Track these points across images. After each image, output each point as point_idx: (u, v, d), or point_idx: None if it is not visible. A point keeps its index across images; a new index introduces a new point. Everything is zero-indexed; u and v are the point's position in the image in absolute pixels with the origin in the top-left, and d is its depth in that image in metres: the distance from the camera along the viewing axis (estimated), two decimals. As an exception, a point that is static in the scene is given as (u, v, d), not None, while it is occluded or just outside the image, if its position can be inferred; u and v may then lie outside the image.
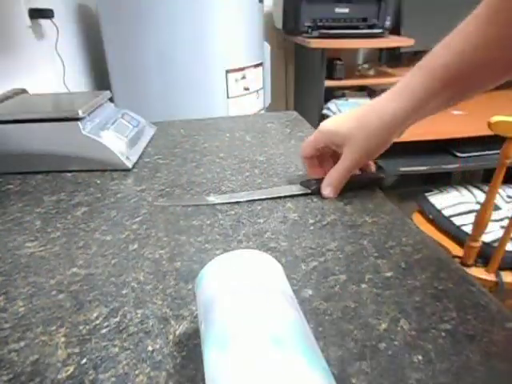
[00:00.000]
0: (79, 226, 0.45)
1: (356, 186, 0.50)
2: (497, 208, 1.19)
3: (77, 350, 0.29)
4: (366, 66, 1.96)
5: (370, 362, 0.27)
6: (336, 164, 0.48)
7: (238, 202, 0.48)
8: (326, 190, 0.48)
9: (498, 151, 0.98)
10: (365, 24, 1.82)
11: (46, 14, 1.06)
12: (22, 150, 0.58)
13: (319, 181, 0.49)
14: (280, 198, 0.49)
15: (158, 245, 0.41)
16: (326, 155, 0.52)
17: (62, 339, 0.30)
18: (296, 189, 0.50)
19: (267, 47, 1.51)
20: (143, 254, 0.39)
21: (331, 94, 1.87)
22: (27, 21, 1.01)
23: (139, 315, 0.32)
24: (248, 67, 1.32)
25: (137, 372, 0.27)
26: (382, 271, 0.35)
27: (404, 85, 0.43)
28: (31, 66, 1.03)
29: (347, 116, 0.47)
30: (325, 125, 0.49)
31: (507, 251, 1.04)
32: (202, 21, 1.19)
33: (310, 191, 0.49)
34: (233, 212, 0.46)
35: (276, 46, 2.01)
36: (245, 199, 0.49)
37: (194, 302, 0.32)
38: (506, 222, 1.09)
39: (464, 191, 1.34)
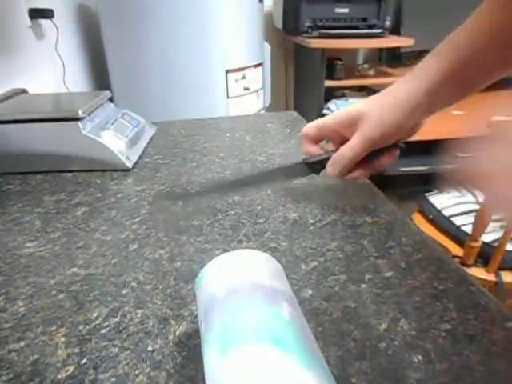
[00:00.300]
0: (79, 226, 0.45)
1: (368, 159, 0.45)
2: (497, 208, 1.19)
3: (77, 350, 0.29)
4: (365, 66, 1.96)
5: (370, 362, 0.27)
6: (348, 142, 0.43)
7: (238, 203, 0.48)
8: (334, 169, 0.44)
9: (497, 151, 0.98)
10: (365, 24, 1.82)
11: (46, 13, 1.07)
12: (22, 150, 0.58)
13: (322, 160, 0.45)
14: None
15: (157, 245, 0.41)
16: (330, 137, 0.48)
17: (62, 339, 0.30)
18: (297, 169, 0.47)
19: (267, 47, 1.51)
20: (143, 254, 0.39)
21: (331, 94, 1.87)
22: (27, 21, 1.02)
23: (139, 315, 0.32)
24: (248, 67, 1.32)
25: (137, 372, 0.27)
26: (381, 271, 0.35)
27: (419, 68, 0.41)
28: (31, 66, 1.03)
29: (360, 102, 0.44)
30: (335, 112, 0.46)
31: (507, 251, 1.04)
32: (201, 21, 1.19)
33: (312, 170, 0.46)
34: (233, 212, 0.46)
35: (276, 46, 2.01)
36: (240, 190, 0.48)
37: (194, 302, 0.32)
38: (506, 222, 1.09)
39: (464, 191, 1.34)
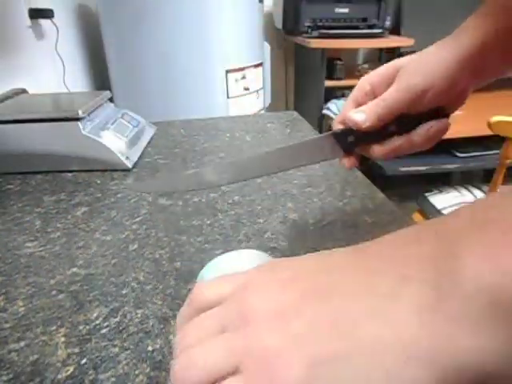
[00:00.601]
0: (79, 226, 0.45)
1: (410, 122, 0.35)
2: (497, 208, 1.19)
3: (77, 350, 0.29)
4: (365, 66, 1.96)
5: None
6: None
7: (238, 203, 0.48)
8: (362, 114, 0.34)
9: (497, 151, 0.99)
10: (365, 24, 1.82)
11: (46, 13, 1.06)
12: (22, 150, 0.58)
13: (354, 133, 0.35)
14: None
15: (158, 245, 0.41)
16: None
17: (62, 339, 0.30)
18: (325, 146, 0.36)
19: (267, 47, 1.51)
20: (143, 254, 0.39)
21: (331, 94, 1.87)
22: (27, 21, 1.02)
23: (139, 315, 0.32)
24: (248, 67, 1.32)
25: (137, 372, 0.27)
26: (381, 271, 0.35)
27: (466, 25, 0.35)
28: (31, 66, 1.03)
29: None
30: (365, 76, 0.38)
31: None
32: (202, 21, 1.19)
33: (343, 145, 0.35)
34: (233, 212, 0.46)
35: (276, 46, 2.01)
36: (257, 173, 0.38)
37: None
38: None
39: (464, 191, 1.34)
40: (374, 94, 0.36)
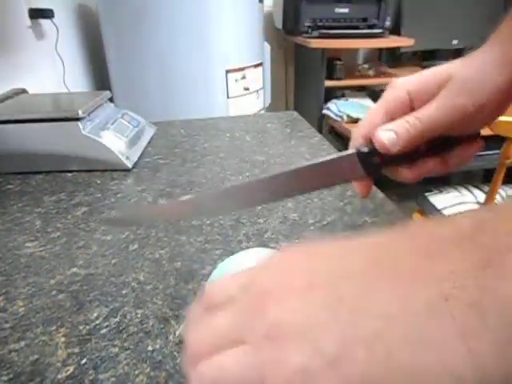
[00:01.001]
0: (79, 226, 0.45)
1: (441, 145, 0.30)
2: (497, 208, 1.19)
3: (77, 350, 0.29)
4: (365, 66, 1.96)
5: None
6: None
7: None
8: (391, 135, 0.28)
9: (498, 151, 0.98)
10: (365, 24, 1.82)
11: (46, 13, 1.07)
12: (22, 150, 0.58)
13: (381, 154, 0.29)
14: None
15: (157, 245, 0.41)
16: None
17: (62, 339, 0.30)
18: (348, 163, 0.29)
19: (267, 47, 1.51)
20: (143, 254, 0.39)
21: (331, 94, 1.87)
22: (27, 21, 1.02)
23: (139, 315, 0.32)
24: (248, 67, 1.32)
25: (137, 372, 0.27)
26: (381, 271, 0.35)
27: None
28: (31, 66, 1.03)
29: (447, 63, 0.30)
30: (407, 78, 0.30)
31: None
32: (202, 21, 1.19)
33: (367, 167, 0.29)
34: (233, 212, 0.46)
35: (276, 46, 2.01)
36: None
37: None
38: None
39: (464, 191, 1.34)
40: (411, 105, 0.29)
